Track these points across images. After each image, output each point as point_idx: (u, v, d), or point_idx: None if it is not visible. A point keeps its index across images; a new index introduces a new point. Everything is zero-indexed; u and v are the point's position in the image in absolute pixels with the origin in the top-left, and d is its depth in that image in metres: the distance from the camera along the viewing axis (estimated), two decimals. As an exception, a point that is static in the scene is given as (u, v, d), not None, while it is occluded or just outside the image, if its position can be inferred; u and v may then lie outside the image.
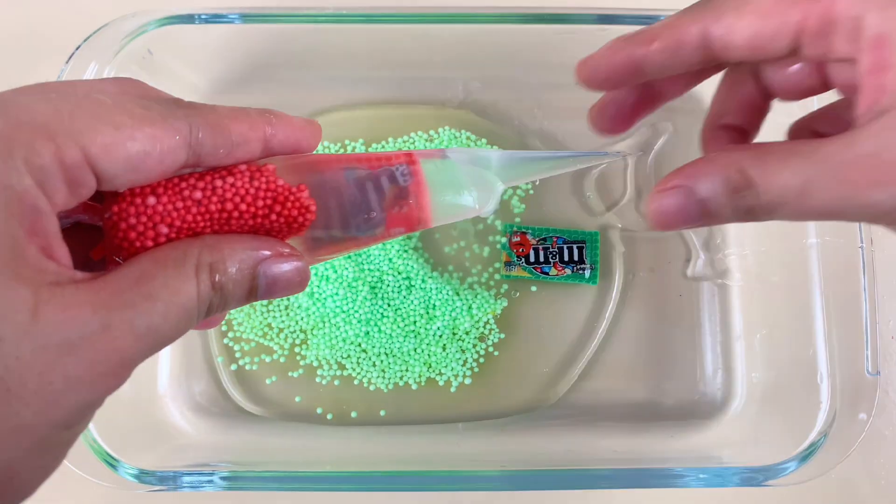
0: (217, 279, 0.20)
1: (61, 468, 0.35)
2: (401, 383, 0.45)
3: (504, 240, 0.46)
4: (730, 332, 0.46)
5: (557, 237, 0.46)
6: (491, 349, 0.45)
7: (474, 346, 0.45)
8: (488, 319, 0.46)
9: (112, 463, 0.37)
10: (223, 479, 0.37)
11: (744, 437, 0.42)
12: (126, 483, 0.37)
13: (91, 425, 0.38)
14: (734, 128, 0.27)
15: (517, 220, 0.47)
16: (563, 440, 0.44)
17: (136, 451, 0.38)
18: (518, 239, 0.46)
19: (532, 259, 0.45)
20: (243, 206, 0.22)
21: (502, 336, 0.46)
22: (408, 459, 0.42)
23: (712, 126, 0.28)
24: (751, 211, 0.22)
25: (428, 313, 0.45)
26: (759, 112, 0.27)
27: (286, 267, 0.22)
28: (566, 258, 0.45)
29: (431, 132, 0.47)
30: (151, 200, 0.21)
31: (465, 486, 0.38)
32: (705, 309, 0.46)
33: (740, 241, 0.46)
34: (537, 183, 0.47)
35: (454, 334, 0.45)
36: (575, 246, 0.45)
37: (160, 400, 0.44)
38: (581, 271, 0.45)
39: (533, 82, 0.48)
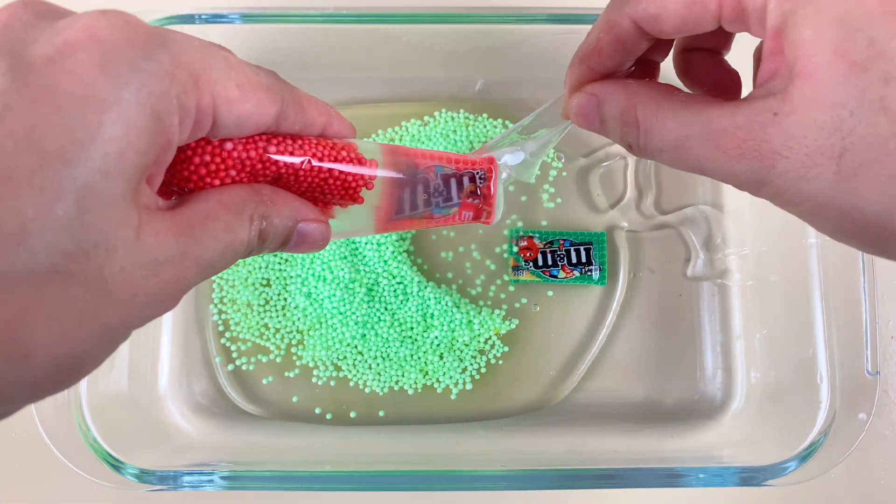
0: (264, 227, 0.23)
1: (62, 468, 0.36)
2: (396, 388, 0.45)
3: (515, 248, 0.46)
4: (730, 332, 0.46)
5: (564, 240, 0.45)
6: (493, 361, 0.45)
7: (474, 357, 0.45)
8: (490, 336, 0.45)
9: (113, 463, 0.37)
10: (223, 478, 0.37)
11: (744, 436, 0.42)
12: (126, 483, 0.37)
13: (91, 425, 0.38)
14: (705, 49, 0.27)
15: (543, 222, 0.47)
16: (563, 440, 0.44)
17: (136, 451, 0.38)
18: (525, 243, 0.45)
19: (540, 263, 0.45)
20: (307, 167, 0.25)
21: (506, 349, 0.45)
22: (407, 459, 0.42)
23: (680, 50, 0.28)
24: (631, 147, 0.25)
25: (425, 321, 0.45)
26: (723, 35, 0.27)
27: (316, 227, 0.25)
28: (574, 260, 0.45)
29: (426, 117, 0.48)
30: (229, 145, 0.23)
31: (465, 486, 0.38)
32: (705, 309, 0.46)
33: (740, 240, 0.46)
34: (562, 162, 0.47)
35: (452, 345, 0.45)
36: (582, 248, 0.45)
37: (160, 400, 0.44)
38: (589, 273, 0.45)
39: (533, 82, 0.48)
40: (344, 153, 0.26)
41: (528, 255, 0.45)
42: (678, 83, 0.27)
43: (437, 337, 0.45)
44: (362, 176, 0.26)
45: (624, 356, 0.46)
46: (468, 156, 0.32)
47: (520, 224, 0.47)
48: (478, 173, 0.33)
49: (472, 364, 0.45)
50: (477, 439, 0.44)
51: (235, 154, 0.23)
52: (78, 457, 0.37)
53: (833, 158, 0.20)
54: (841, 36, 0.20)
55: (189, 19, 0.40)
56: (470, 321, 0.45)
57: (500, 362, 0.45)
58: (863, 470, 0.44)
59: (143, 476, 0.37)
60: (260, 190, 0.23)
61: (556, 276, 0.45)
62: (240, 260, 0.24)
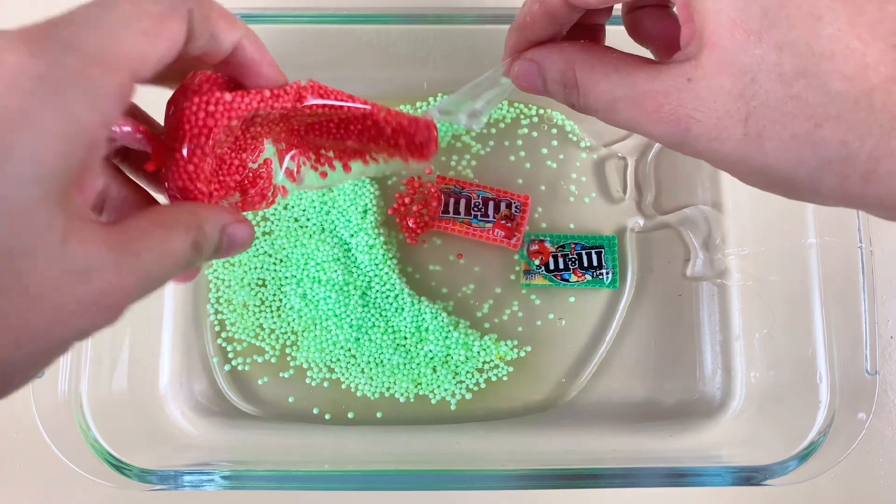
0: (196, 239, 0.23)
1: (62, 468, 0.36)
2: (387, 394, 0.45)
3: (526, 253, 0.45)
4: (729, 331, 0.46)
5: (576, 243, 0.45)
6: (494, 379, 0.45)
7: (471, 374, 0.45)
8: (492, 359, 0.45)
9: (113, 462, 0.37)
10: (224, 478, 0.37)
11: (743, 436, 0.42)
12: (127, 482, 0.37)
13: (92, 424, 0.38)
14: (651, 5, 0.28)
15: (571, 225, 0.46)
16: (563, 440, 0.44)
17: (136, 451, 0.38)
18: (536, 247, 0.45)
19: (552, 267, 0.45)
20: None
21: (510, 370, 0.45)
22: (407, 459, 0.42)
23: (627, 10, 0.29)
24: (573, 106, 0.26)
25: (419, 334, 0.45)
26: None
27: (242, 229, 0.26)
28: (585, 264, 0.45)
29: (418, 102, 0.48)
30: (227, 97, 0.24)
31: (465, 485, 0.38)
32: (705, 309, 0.46)
33: (740, 240, 0.46)
34: (588, 143, 0.47)
35: (447, 360, 0.45)
36: (593, 251, 0.45)
37: (160, 400, 0.44)
38: (601, 276, 0.45)
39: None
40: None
41: (539, 258, 0.45)
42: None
43: (430, 351, 0.44)
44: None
45: (624, 356, 0.46)
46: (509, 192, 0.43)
47: (543, 225, 0.47)
48: (514, 203, 0.43)
49: (469, 379, 0.45)
50: (477, 439, 0.44)
51: (234, 104, 0.24)
52: (78, 457, 0.37)
53: (740, 122, 0.21)
54: (738, 7, 0.21)
55: (189, 20, 0.40)
56: (467, 344, 0.44)
57: (505, 378, 0.45)
58: (863, 470, 0.44)
59: (144, 476, 0.37)
60: (184, 206, 0.24)
61: (567, 280, 0.45)
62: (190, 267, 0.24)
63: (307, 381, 0.45)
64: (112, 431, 0.38)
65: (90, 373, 0.39)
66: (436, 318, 0.44)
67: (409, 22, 0.42)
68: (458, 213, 0.43)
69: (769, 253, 0.45)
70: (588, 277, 0.45)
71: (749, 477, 0.37)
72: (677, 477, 0.37)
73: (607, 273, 0.45)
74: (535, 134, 0.48)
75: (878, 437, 0.45)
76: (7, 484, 0.44)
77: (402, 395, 0.45)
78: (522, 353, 0.45)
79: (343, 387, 0.45)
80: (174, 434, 0.43)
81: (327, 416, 0.45)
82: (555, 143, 0.48)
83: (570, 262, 0.45)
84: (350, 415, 0.45)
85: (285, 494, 0.44)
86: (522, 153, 0.47)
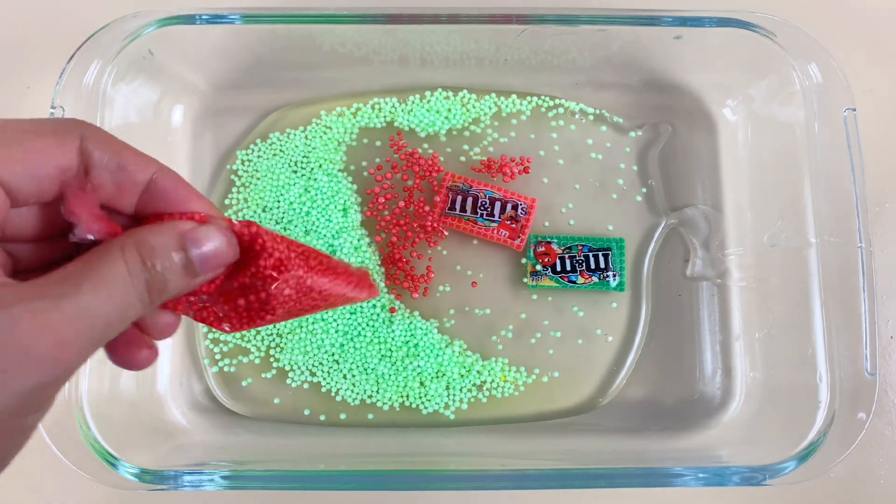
0: (148, 263, 0.21)
1: (62, 468, 0.36)
2: (369, 401, 0.44)
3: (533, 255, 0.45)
4: (729, 331, 0.46)
5: (583, 245, 0.45)
6: (498, 396, 0.45)
7: (465, 388, 0.44)
8: (494, 378, 0.45)
9: (113, 462, 0.37)
10: (223, 478, 0.37)
11: (743, 436, 0.42)
12: (127, 482, 0.37)
13: (91, 424, 0.38)
14: None
15: (609, 226, 0.46)
16: (563, 440, 0.44)
17: (136, 451, 0.38)
18: (543, 249, 0.45)
19: (558, 268, 0.45)
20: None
21: (522, 389, 0.45)
22: (406, 459, 0.42)
23: None
24: None
25: (407, 348, 0.44)
26: None
27: (213, 233, 0.23)
28: (592, 266, 0.45)
29: (412, 97, 0.47)
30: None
31: (465, 485, 0.38)
32: (705, 309, 0.46)
33: (740, 240, 0.46)
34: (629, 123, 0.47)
35: (437, 377, 0.44)
36: (601, 254, 0.45)
37: (160, 400, 0.44)
38: (607, 278, 0.45)
39: (536, 86, 0.48)
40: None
41: (546, 260, 0.45)
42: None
43: (419, 366, 0.44)
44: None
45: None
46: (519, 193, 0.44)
47: (571, 222, 0.46)
48: (521, 204, 0.44)
49: (465, 395, 0.44)
50: (476, 439, 0.44)
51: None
52: (78, 457, 0.37)
53: None
54: None
55: (189, 19, 0.40)
56: (462, 364, 0.44)
57: (516, 394, 0.45)
58: (863, 470, 0.44)
59: (144, 475, 0.37)
60: (128, 232, 0.22)
61: (574, 282, 0.45)
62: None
63: (288, 381, 0.45)
64: (112, 431, 0.38)
65: (90, 373, 0.39)
66: (427, 334, 0.44)
67: (413, 22, 0.42)
68: (465, 211, 0.44)
69: (770, 253, 0.44)
70: (595, 279, 0.45)
71: (749, 477, 0.37)
72: (678, 477, 0.37)
73: (614, 275, 0.45)
74: (573, 127, 0.48)
75: (878, 437, 0.45)
76: (7, 484, 0.44)
77: (385, 403, 0.44)
78: (545, 379, 0.45)
79: (322, 390, 0.45)
80: (174, 434, 0.43)
81: (322, 417, 0.45)
82: (604, 128, 0.47)
83: (577, 264, 0.45)
84: (342, 416, 0.45)
85: (284, 494, 0.44)
86: (557, 147, 0.47)
